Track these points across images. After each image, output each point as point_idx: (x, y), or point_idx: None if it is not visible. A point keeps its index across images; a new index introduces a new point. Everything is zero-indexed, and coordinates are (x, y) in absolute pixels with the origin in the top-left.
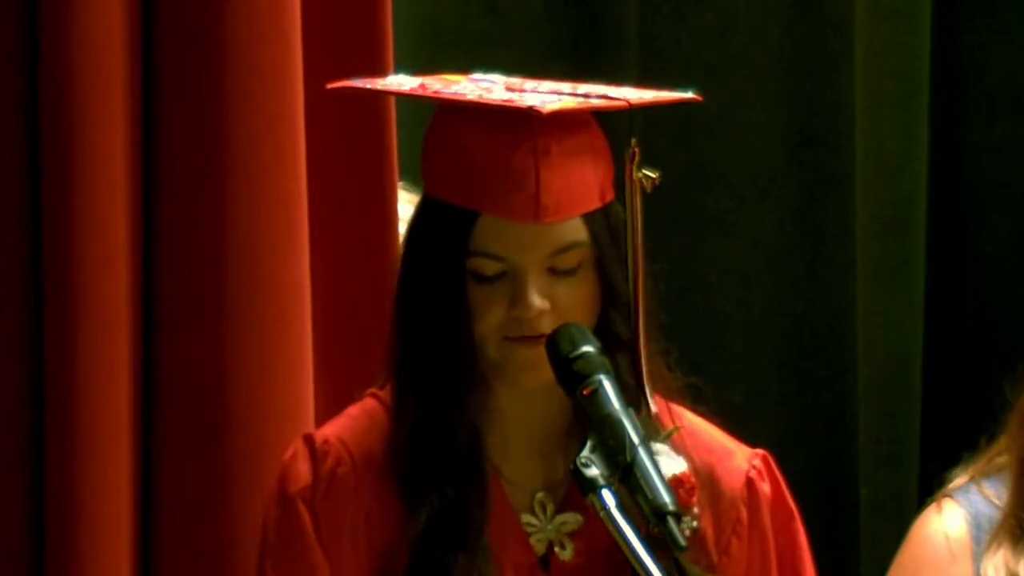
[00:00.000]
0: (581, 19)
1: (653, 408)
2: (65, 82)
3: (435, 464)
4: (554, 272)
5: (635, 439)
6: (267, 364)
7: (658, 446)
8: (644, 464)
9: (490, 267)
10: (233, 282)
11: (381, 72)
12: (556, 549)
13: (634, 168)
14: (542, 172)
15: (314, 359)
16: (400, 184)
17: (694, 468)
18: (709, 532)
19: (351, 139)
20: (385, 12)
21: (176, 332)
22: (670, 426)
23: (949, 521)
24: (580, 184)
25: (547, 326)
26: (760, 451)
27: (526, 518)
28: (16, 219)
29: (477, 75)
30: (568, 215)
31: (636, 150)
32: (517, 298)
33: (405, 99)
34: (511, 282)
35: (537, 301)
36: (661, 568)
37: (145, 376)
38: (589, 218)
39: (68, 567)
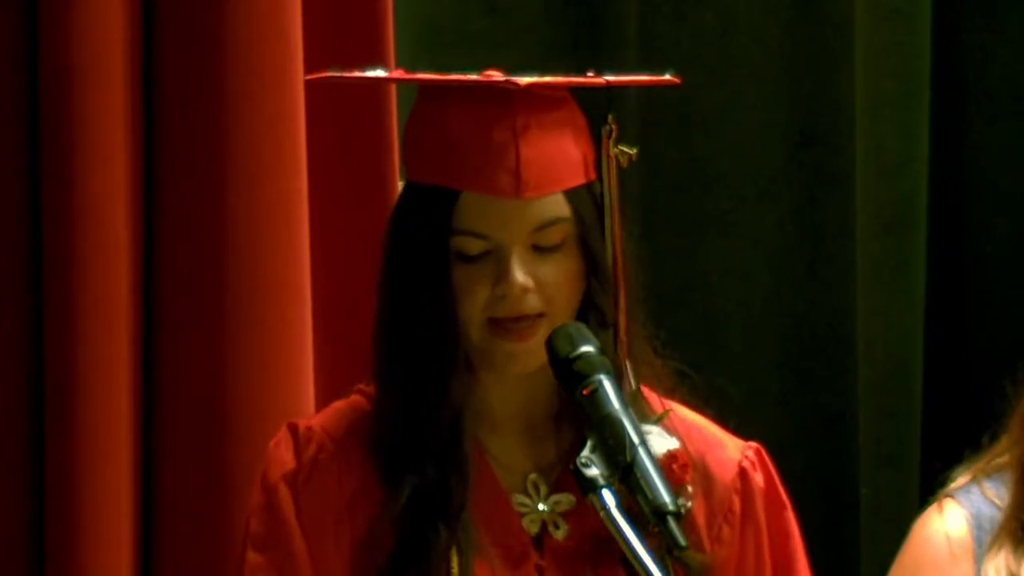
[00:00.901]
0: (581, 19)
1: (634, 382)
2: (65, 81)
3: (417, 443)
4: (538, 249)
5: (635, 439)
6: (267, 364)
7: (649, 426)
8: (644, 464)
9: (474, 245)
10: (233, 282)
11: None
12: (550, 529)
13: (610, 144)
14: (522, 147)
15: (314, 359)
16: (400, 184)
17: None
18: (701, 520)
19: (351, 139)
20: (385, 12)
21: (176, 332)
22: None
23: (950, 521)
24: (561, 160)
25: (531, 305)
26: (753, 443)
27: (519, 499)
28: (16, 219)
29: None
30: (549, 190)
31: (613, 126)
32: (501, 275)
33: (386, 84)
34: (495, 261)
35: (520, 277)
36: (661, 568)
37: (145, 376)
38: (572, 195)
39: (68, 567)
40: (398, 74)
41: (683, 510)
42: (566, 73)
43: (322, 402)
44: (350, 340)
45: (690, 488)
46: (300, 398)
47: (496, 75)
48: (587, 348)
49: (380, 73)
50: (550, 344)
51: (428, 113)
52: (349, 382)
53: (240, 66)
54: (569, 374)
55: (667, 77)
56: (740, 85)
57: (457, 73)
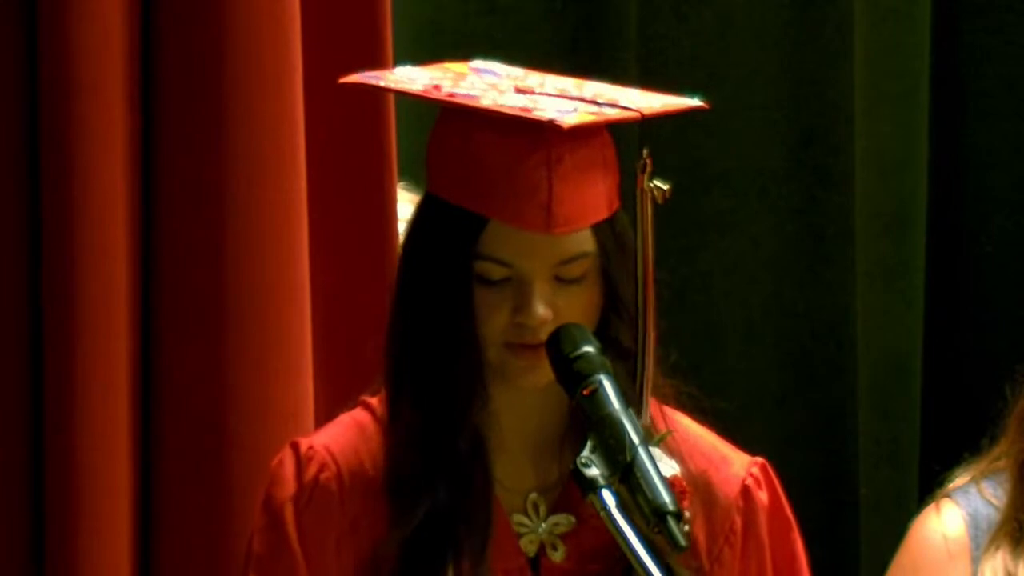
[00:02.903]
0: (581, 19)
1: (649, 420)
2: (65, 84)
3: (435, 468)
4: (559, 280)
5: (635, 439)
6: (267, 364)
7: (650, 449)
8: (644, 464)
9: (496, 272)
10: (233, 282)
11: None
12: (548, 551)
13: (645, 179)
14: (555, 183)
15: (314, 359)
16: (400, 184)
17: (688, 474)
18: (702, 539)
19: (351, 139)
20: (385, 12)
21: (176, 332)
22: (664, 431)
23: (947, 521)
24: (591, 195)
25: (549, 333)
26: (759, 459)
27: (518, 519)
28: (16, 219)
29: (478, 63)
30: (579, 226)
31: (648, 161)
32: (522, 306)
33: (416, 100)
34: (516, 288)
35: (541, 310)
36: (661, 568)
37: (145, 376)
38: (596, 227)
39: (68, 568)
40: (446, 96)
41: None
42: (565, 73)
43: (322, 401)
44: (350, 340)
45: (687, 514)
46: (299, 399)
47: (519, 75)
48: (587, 348)
49: (410, 72)
50: (551, 343)
51: (457, 128)
52: (349, 383)
53: (239, 66)
54: (569, 374)
55: (696, 102)
56: (740, 85)
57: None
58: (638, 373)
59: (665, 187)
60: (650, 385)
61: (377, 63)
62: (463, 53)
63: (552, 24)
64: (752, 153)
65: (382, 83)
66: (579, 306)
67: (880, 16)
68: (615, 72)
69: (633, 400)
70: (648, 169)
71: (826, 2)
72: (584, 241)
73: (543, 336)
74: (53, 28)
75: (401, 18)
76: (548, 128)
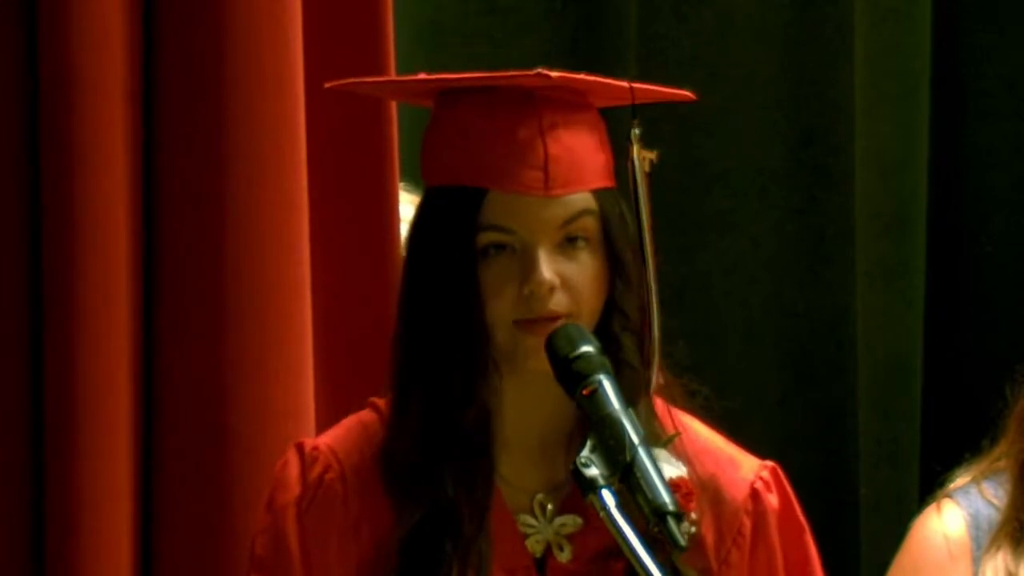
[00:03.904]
0: (581, 19)
1: (658, 381)
2: (65, 83)
3: (439, 459)
4: (567, 242)
5: (635, 439)
6: (267, 364)
7: (656, 451)
8: (644, 464)
9: (499, 238)
10: (233, 282)
11: (381, 71)
12: (554, 551)
13: (636, 148)
14: (549, 145)
15: (314, 359)
16: (400, 184)
17: (695, 475)
18: (709, 540)
19: (351, 139)
20: (385, 12)
21: (176, 332)
22: (672, 432)
23: (948, 521)
24: (587, 159)
25: (557, 304)
26: (769, 463)
27: (524, 519)
28: (16, 215)
29: None
30: (576, 187)
31: (638, 129)
32: (527, 273)
33: (409, 91)
34: (520, 258)
35: (547, 274)
36: (661, 568)
37: (146, 376)
38: (598, 193)
39: (68, 568)
40: (425, 76)
41: (686, 537)
42: (565, 73)
43: (322, 402)
44: (350, 340)
45: (694, 515)
46: (300, 398)
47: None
48: (587, 348)
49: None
50: (550, 344)
51: (451, 115)
52: (349, 382)
53: (239, 66)
54: (569, 374)
55: (685, 92)
56: (740, 85)
57: (462, 72)
58: (644, 341)
59: (651, 155)
60: (657, 356)
61: (378, 63)
62: (463, 53)
63: (552, 24)
64: (752, 153)
65: (369, 80)
66: (585, 273)
67: (880, 16)
68: (615, 72)
69: (640, 377)
70: (637, 138)
71: (826, 2)
72: (585, 200)
73: (551, 306)
74: (53, 27)
75: (401, 18)
76: (533, 96)
